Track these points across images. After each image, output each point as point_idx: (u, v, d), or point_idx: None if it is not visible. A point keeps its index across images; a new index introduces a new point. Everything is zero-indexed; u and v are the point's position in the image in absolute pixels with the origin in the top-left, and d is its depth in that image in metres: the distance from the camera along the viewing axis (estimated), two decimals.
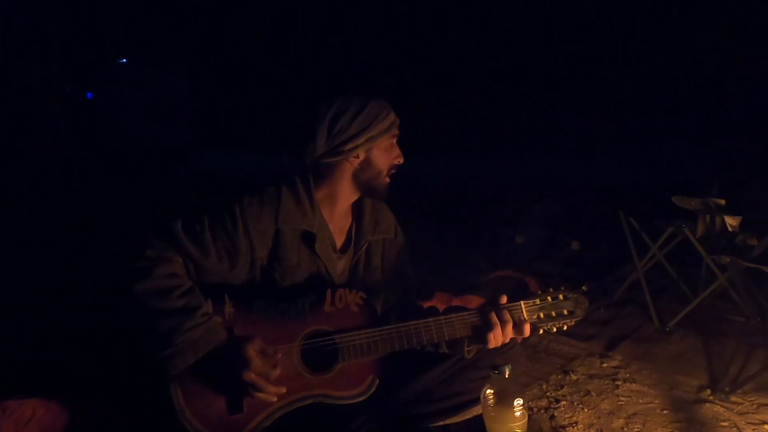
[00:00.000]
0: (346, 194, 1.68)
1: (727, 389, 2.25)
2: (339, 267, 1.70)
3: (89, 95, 16.62)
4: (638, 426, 2.02)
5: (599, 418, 2.09)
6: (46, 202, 7.09)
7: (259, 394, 1.41)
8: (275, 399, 1.44)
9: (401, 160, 1.70)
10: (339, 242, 1.71)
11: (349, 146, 1.61)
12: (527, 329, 1.57)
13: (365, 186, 1.68)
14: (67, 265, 3.77)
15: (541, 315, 1.60)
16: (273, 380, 1.42)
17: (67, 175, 9.97)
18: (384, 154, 1.66)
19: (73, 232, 5.03)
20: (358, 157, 1.64)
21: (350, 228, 1.74)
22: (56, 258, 4.07)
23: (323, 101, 1.64)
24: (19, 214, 6.03)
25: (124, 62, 16.56)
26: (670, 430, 2.00)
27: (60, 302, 3.02)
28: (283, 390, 1.44)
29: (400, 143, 1.72)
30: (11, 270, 3.75)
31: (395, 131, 1.68)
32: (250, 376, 1.38)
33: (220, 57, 17.74)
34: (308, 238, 1.61)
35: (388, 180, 1.69)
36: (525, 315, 1.58)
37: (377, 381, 1.54)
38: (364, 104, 1.62)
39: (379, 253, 1.78)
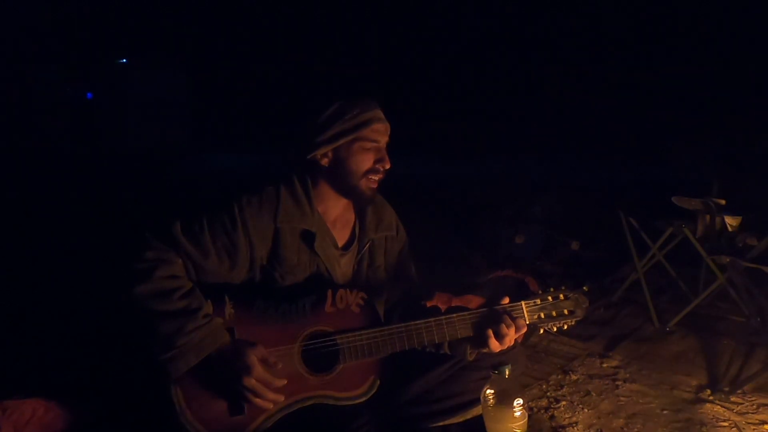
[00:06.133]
0: (332, 194, 1.66)
1: (727, 389, 2.26)
2: (343, 264, 1.69)
3: (89, 95, 16.62)
4: (638, 426, 2.02)
5: (599, 418, 2.09)
6: (46, 202, 7.09)
7: (258, 401, 1.41)
8: (272, 406, 1.44)
9: (386, 166, 1.64)
10: (341, 239, 1.71)
11: (313, 143, 1.60)
12: (527, 329, 1.58)
13: (341, 187, 1.64)
14: (68, 265, 3.77)
15: (542, 315, 1.60)
16: (273, 388, 1.42)
17: (67, 175, 9.97)
18: (355, 156, 1.61)
19: (73, 232, 5.03)
20: (327, 156, 1.62)
21: (354, 225, 1.74)
22: (56, 258, 4.07)
23: (309, 102, 1.64)
24: (19, 215, 6.02)
25: (124, 62, 16.55)
26: (670, 430, 2.00)
27: (60, 303, 3.02)
28: (282, 399, 1.44)
29: (391, 147, 1.67)
30: (11, 270, 3.75)
31: (369, 134, 1.61)
32: (251, 382, 1.39)
33: (220, 57, 17.75)
34: (308, 237, 1.61)
35: (366, 184, 1.63)
36: (526, 315, 1.59)
37: (378, 382, 1.54)
38: (333, 103, 1.61)
39: (383, 250, 1.78)
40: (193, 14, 17.38)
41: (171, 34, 16.97)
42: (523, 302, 1.59)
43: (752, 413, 2.09)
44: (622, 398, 2.23)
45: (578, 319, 1.63)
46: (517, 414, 1.52)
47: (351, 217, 1.74)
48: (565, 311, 1.61)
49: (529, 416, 1.65)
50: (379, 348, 1.52)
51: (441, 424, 1.68)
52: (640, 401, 2.21)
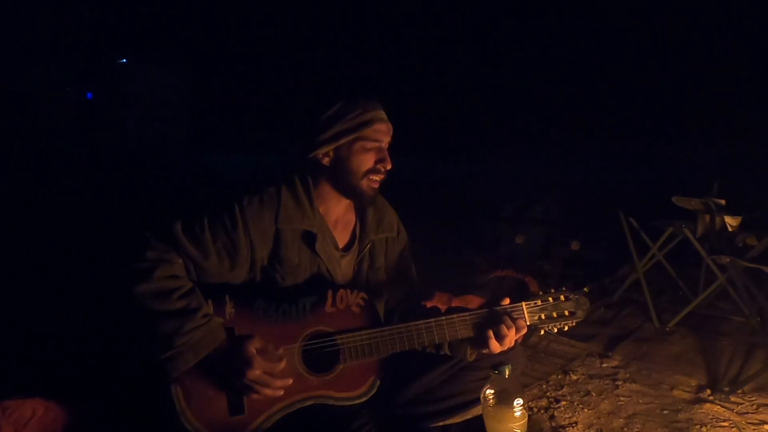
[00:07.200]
0: (333, 194, 1.66)
1: (727, 389, 2.26)
2: (343, 265, 1.69)
3: (89, 95, 16.64)
4: (638, 426, 2.02)
5: (599, 418, 2.09)
6: (47, 201, 7.09)
7: (266, 390, 1.41)
8: (282, 392, 1.44)
9: (387, 166, 1.64)
10: (342, 240, 1.70)
11: (315, 142, 1.60)
12: (527, 330, 1.58)
13: (342, 187, 1.64)
14: (68, 265, 3.77)
15: (543, 316, 1.60)
16: (278, 375, 1.42)
17: (67, 174, 9.97)
18: (356, 156, 1.60)
19: (73, 232, 5.03)
20: (329, 155, 1.62)
21: (354, 226, 1.74)
22: (57, 258, 4.07)
23: (311, 101, 1.64)
24: (19, 214, 6.03)
25: (124, 62, 16.56)
26: (670, 430, 2.00)
27: (60, 303, 3.02)
28: (290, 381, 1.44)
29: (391, 147, 1.66)
30: (12, 270, 3.75)
31: (371, 134, 1.61)
32: (255, 373, 1.39)
33: (220, 57, 17.75)
34: (309, 238, 1.61)
35: (368, 184, 1.63)
36: (526, 316, 1.58)
37: (378, 382, 1.54)
38: (335, 103, 1.61)
39: (383, 252, 1.77)
40: (193, 14, 17.39)
41: (171, 34, 16.98)
42: (523, 303, 1.59)
43: (752, 413, 2.09)
44: (622, 398, 2.23)
45: (579, 320, 1.63)
46: (517, 414, 1.52)
47: (352, 218, 1.74)
48: (566, 312, 1.61)
49: (529, 416, 1.65)
50: (379, 348, 1.52)
51: (441, 424, 1.68)
52: (640, 401, 2.21)
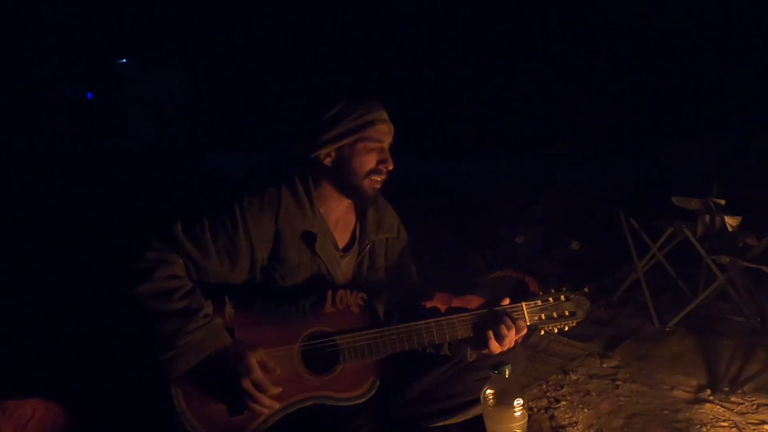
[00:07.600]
0: (334, 195, 1.67)
1: (727, 389, 2.26)
2: (343, 266, 1.69)
3: (89, 95, 16.64)
4: (638, 426, 2.02)
5: (599, 418, 2.09)
6: (46, 202, 7.09)
7: (254, 405, 1.41)
8: (267, 411, 1.44)
9: (389, 167, 1.64)
10: (342, 241, 1.71)
11: (317, 142, 1.60)
12: (527, 330, 1.58)
13: (344, 187, 1.64)
14: (68, 265, 3.77)
15: (543, 316, 1.60)
16: (270, 394, 1.42)
17: (67, 175, 9.97)
18: (358, 156, 1.61)
19: (73, 232, 5.03)
20: (330, 155, 1.62)
21: (354, 227, 1.74)
22: (57, 259, 4.07)
23: (312, 101, 1.65)
24: (19, 215, 6.02)
25: (124, 62, 16.56)
26: (670, 430, 2.00)
27: (60, 303, 3.02)
28: (277, 406, 1.44)
29: (393, 148, 1.67)
30: (12, 270, 3.75)
31: (373, 134, 1.61)
32: (248, 384, 1.39)
33: (220, 57, 17.74)
34: (309, 239, 1.61)
35: (370, 184, 1.63)
36: (527, 316, 1.59)
37: (378, 383, 1.54)
38: (337, 103, 1.61)
39: (383, 252, 1.78)
40: (193, 14, 17.38)
41: (171, 34, 16.97)
42: (523, 303, 1.59)
43: (752, 413, 2.09)
44: (622, 398, 2.23)
45: (579, 320, 1.63)
46: (517, 414, 1.52)
47: (352, 218, 1.74)
48: (566, 312, 1.61)
49: (529, 416, 1.65)
50: (379, 348, 1.53)
51: (441, 424, 1.68)
52: (640, 401, 2.21)
